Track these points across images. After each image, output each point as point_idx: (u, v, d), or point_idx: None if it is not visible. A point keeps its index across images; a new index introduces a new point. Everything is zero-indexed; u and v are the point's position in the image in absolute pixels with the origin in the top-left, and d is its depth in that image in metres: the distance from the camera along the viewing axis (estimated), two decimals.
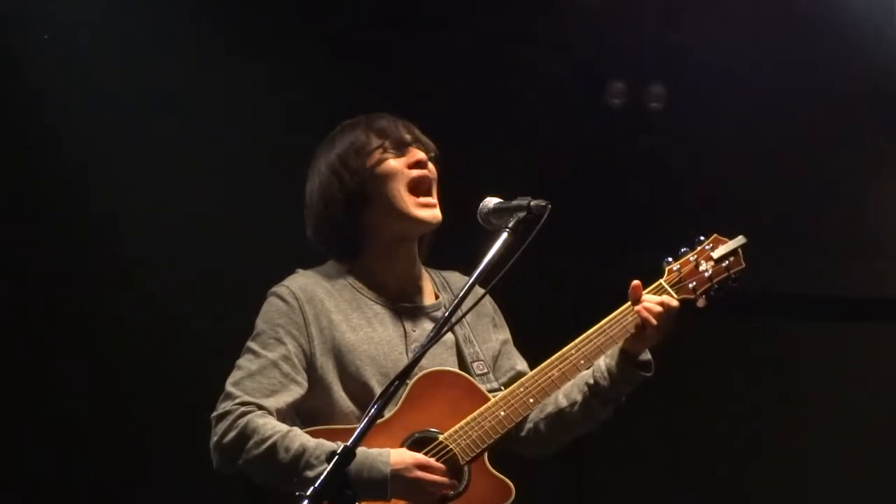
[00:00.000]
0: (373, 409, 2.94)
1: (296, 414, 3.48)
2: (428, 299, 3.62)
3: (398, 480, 3.31)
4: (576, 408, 3.53)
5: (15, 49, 5.27)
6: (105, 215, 5.37)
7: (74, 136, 5.30)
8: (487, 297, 3.65)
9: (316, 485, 2.80)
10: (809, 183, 6.07)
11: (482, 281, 3.21)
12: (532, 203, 3.27)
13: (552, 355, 3.53)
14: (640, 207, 6.06)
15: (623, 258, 6.00)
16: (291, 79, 5.56)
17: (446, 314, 3.13)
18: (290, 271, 3.61)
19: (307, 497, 2.79)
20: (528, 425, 3.60)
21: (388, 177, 3.52)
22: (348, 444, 2.86)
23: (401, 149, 3.56)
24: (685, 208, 6.03)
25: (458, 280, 3.67)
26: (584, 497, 6.03)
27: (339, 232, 3.56)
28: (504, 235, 3.23)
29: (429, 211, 3.53)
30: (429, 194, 3.55)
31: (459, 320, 3.49)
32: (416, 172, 3.54)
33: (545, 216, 3.24)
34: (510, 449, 3.60)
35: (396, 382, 3.00)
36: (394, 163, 3.53)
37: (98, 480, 5.29)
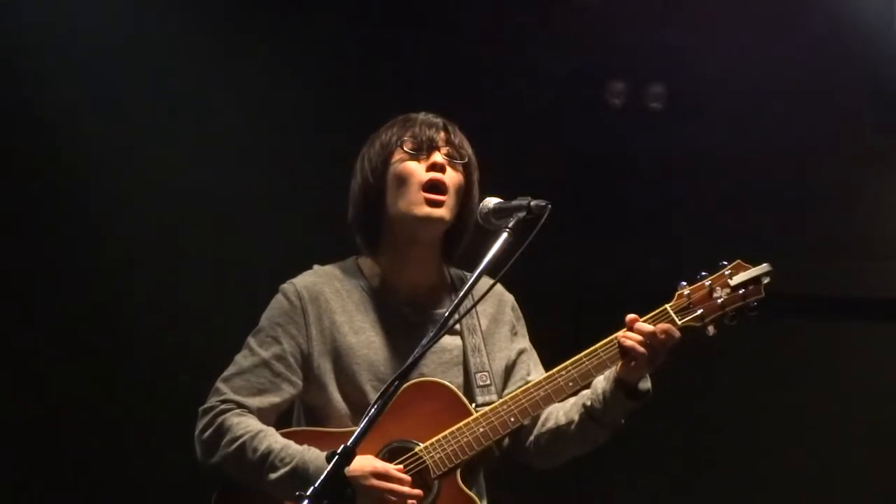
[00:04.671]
0: (373, 410, 2.95)
1: (304, 412, 3.51)
2: (439, 307, 3.57)
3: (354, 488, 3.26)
4: (573, 427, 3.51)
5: (14, 49, 5.28)
6: (105, 215, 5.37)
7: (74, 135, 5.30)
8: (511, 305, 3.66)
9: (316, 484, 2.81)
10: (809, 182, 6.07)
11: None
12: (532, 203, 3.26)
13: (550, 356, 3.53)
14: (639, 207, 6.06)
15: (623, 258, 6.02)
16: (294, 79, 5.56)
17: (446, 315, 3.12)
18: (294, 268, 3.60)
19: (307, 497, 2.80)
20: (531, 437, 3.58)
21: (403, 178, 3.50)
22: (348, 444, 2.87)
23: (422, 151, 3.52)
24: (685, 208, 6.04)
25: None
26: (584, 496, 6.04)
27: (363, 222, 3.57)
28: (504, 235, 3.22)
29: (430, 208, 3.47)
30: (438, 194, 3.49)
31: (457, 322, 3.48)
32: (429, 175, 3.49)
33: (545, 216, 3.23)
34: (516, 458, 3.60)
35: (397, 383, 2.99)
36: (411, 165, 3.51)
37: (97, 483, 5.29)
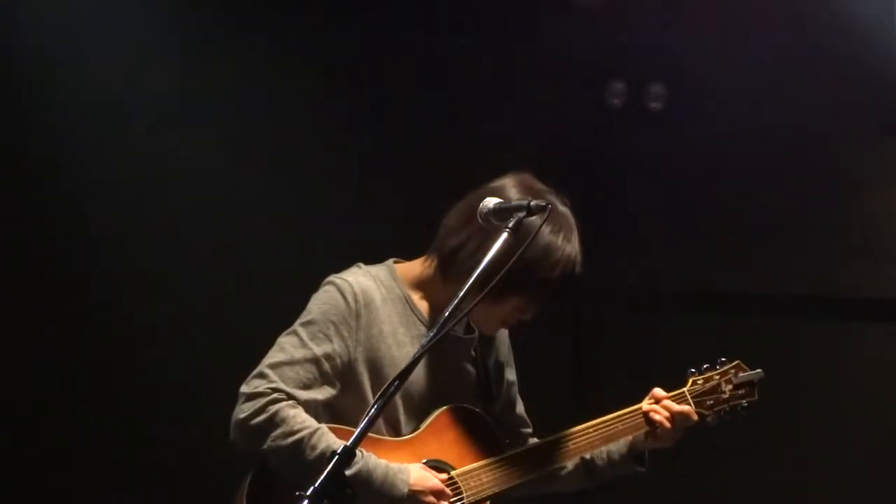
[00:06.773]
0: (373, 410, 2.93)
1: (323, 410, 3.48)
2: (465, 331, 3.63)
3: (412, 502, 3.38)
4: (563, 472, 3.70)
5: (13, 48, 5.28)
6: (106, 216, 5.38)
7: (76, 136, 5.31)
8: (507, 337, 3.75)
9: (316, 484, 2.80)
10: (810, 183, 6.07)
11: (482, 282, 3.19)
12: (532, 203, 3.27)
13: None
14: (639, 208, 6.06)
15: (623, 259, 6.02)
16: (294, 79, 5.57)
17: (446, 315, 3.10)
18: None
19: (307, 497, 2.80)
20: None
21: (511, 302, 3.49)
22: (347, 444, 2.87)
23: (536, 302, 3.53)
24: (685, 209, 6.04)
25: None
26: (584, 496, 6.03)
27: (466, 261, 3.45)
28: (504, 235, 3.22)
29: (493, 331, 3.63)
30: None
31: (459, 321, 3.45)
32: (516, 324, 3.59)
33: (545, 216, 3.24)
34: None
35: (397, 382, 2.98)
36: (526, 304, 3.51)
37: (98, 485, 5.30)
